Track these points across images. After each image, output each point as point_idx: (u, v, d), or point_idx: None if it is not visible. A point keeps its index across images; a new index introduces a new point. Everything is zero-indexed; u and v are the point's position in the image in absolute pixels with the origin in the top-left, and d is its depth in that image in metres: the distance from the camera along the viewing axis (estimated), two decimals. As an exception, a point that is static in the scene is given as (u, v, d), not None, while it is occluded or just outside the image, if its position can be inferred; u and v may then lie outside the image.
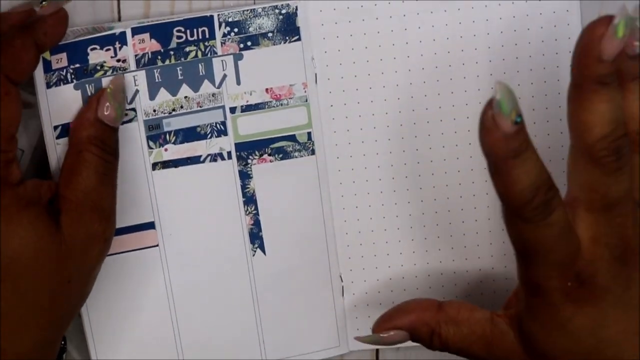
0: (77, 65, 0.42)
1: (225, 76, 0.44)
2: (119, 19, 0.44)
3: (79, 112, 0.42)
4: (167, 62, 0.44)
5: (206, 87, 0.44)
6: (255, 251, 0.46)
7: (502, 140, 0.34)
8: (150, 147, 0.44)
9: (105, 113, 0.41)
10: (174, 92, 0.44)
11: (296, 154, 0.46)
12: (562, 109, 0.45)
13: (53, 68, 0.42)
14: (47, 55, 0.42)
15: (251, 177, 0.46)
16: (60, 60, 0.42)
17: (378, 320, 0.42)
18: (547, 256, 0.36)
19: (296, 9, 0.45)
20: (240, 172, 0.45)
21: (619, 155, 0.36)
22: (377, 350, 0.49)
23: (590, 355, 0.38)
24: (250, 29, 0.44)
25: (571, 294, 0.37)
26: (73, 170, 0.40)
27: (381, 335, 0.41)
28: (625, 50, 0.35)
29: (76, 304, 0.41)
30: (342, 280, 0.47)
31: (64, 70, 0.42)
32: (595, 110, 0.35)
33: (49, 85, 0.42)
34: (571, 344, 0.38)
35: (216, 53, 0.44)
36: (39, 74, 0.42)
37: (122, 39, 0.43)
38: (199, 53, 0.44)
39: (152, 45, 0.43)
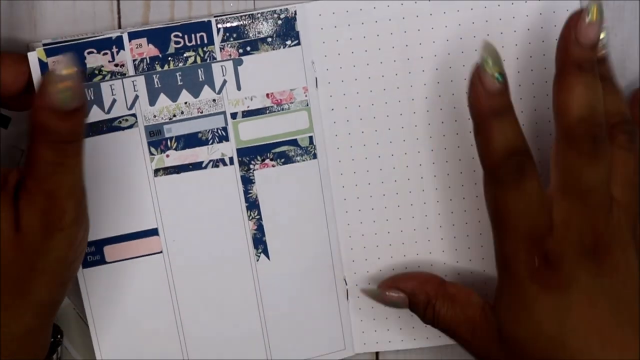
0: None
1: (225, 82, 0.41)
2: (119, 25, 0.41)
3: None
4: (165, 67, 0.41)
5: (206, 93, 0.41)
6: (259, 256, 0.43)
7: (484, 97, 0.36)
8: (151, 153, 0.41)
9: (49, 99, 0.34)
10: (174, 98, 0.41)
11: (298, 158, 0.43)
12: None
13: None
14: (43, 57, 0.39)
15: (253, 182, 0.42)
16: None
17: (385, 280, 0.43)
18: (516, 226, 0.36)
19: (295, 13, 0.42)
20: (242, 177, 0.42)
21: (595, 141, 0.36)
22: (377, 353, 0.46)
23: (554, 343, 0.36)
24: (250, 34, 0.41)
25: (537, 274, 0.36)
26: (28, 159, 0.35)
27: (384, 292, 0.42)
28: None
29: (53, 295, 0.37)
30: (346, 284, 0.44)
31: None
32: (573, 91, 0.36)
33: None
34: (535, 328, 0.36)
35: (215, 58, 0.41)
36: (36, 76, 0.39)
37: (119, 43, 0.40)
38: (198, 58, 0.41)
39: (149, 50, 0.40)
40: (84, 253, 0.39)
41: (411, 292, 0.41)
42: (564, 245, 0.36)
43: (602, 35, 0.38)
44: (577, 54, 0.36)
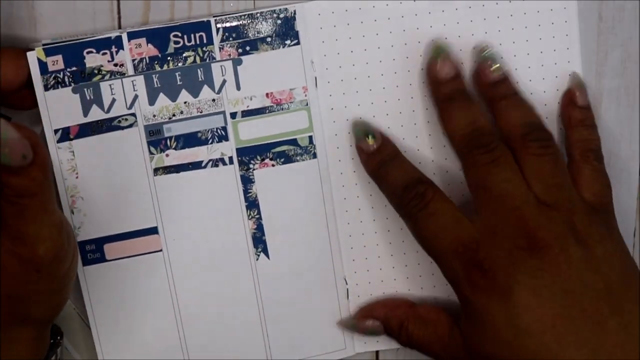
0: (74, 69, 0.40)
1: (224, 81, 0.41)
2: (119, 25, 0.41)
3: None
4: (165, 67, 0.40)
5: (206, 93, 0.41)
6: (258, 255, 0.43)
7: (369, 158, 0.42)
8: (151, 153, 0.41)
9: None
10: (173, 98, 0.41)
11: (298, 157, 0.43)
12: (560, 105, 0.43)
13: (49, 70, 0.39)
14: (42, 56, 0.39)
15: (253, 182, 0.42)
16: (56, 62, 0.39)
17: (358, 310, 0.44)
18: (441, 247, 0.38)
19: (294, 13, 0.41)
20: (242, 177, 0.42)
21: (485, 147, 0.38)
22: (377, 352, 0.46)
23: (513, 348, 0.36)
24: (249, 34, 0.41)
25: (478, 284, 0.37)
26: None
27: (359, 322, 0.43)
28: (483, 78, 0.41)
29: (46, 315, 0.37)
30: (346, 283, 0.44)
31: (61, 73, 0.39)
32: (452, 119, 0.40)
33: (46, 88, 0.39)
34: (494, 337, 0.37)
35: (215, 58, 0.41)
36: (36, 76, 0.39)
37: (118, 43, 0.40)
38: (197, 58, 0.41)
39: (149, 50, 0.40)
40: (74, 278, 0.38)
41: (384, 318, 0.43)
42: (494, 251, 0.37)
43: (485, 51, 0.42)
44: (443, 90, 0.41)
